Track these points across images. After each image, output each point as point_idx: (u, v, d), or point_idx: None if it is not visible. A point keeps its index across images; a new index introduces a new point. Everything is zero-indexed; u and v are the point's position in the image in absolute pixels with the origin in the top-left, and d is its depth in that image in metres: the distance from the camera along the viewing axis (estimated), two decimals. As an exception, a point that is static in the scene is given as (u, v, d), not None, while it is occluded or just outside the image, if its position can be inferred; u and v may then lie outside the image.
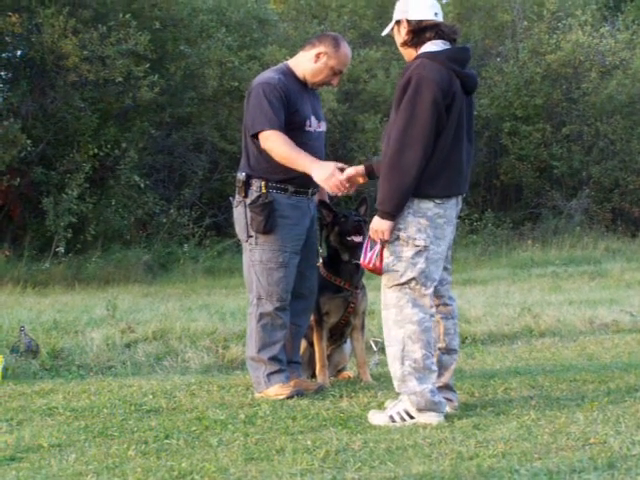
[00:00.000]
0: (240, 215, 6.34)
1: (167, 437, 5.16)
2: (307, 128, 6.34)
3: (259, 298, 6.30)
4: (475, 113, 5.97)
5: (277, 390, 6.22)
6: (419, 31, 5.62)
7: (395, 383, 5.54)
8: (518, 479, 4.12)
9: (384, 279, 5.58)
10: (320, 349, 6.76)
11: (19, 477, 4.45)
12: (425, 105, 5.41)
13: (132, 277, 17.34)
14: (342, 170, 6.04)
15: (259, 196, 6.21)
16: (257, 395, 6.28)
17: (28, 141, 17.95)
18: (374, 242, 5.54)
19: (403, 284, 5.49)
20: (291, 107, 6.25)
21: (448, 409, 5.65)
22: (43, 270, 17.23)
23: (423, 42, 5.62)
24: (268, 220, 6.17)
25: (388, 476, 4.26)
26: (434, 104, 5.41)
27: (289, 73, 6.39)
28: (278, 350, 6.30)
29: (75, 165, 18.88)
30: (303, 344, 6.82)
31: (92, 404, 6.12)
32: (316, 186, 6.45)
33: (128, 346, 8.36)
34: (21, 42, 19.38)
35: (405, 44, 5.70)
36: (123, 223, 19.58)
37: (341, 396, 6.18)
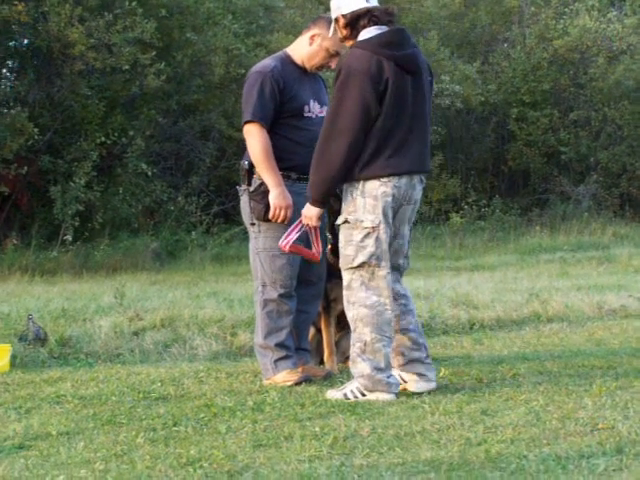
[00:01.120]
0: (245, 203, 6.34)
1: (175, 424, 5.16)
2: (306, 114, 6.31)
3: (263, 285, 6.30)
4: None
5: (285, 376, 6.22)
6: (354, 22, 5.64)
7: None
8: (527, 465, 4.12)
9: (340, 261, 5.71)
10: (328, 335, 6.75)
11: (28, 465, 4.46)
12: (352, 99, 5.44)
13: (140, 265, 17.33)
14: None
15: (260, 184, 6.20)
16: (265, 382, 6.28)
17: (35, 129, 17.92)
18: (308, 230, 5.75)
19: (356, 267, 5.61)
20: (286, 94, 6.22)
21: (424, 385, 5.80)
22: (51, 258, 17.22)
23: (359, 31, 5.63)
24: (269, 208, 6.16)
25: (396, 462, 4.27)
26: (361, 97, 5.43)
27: (286, 59, 6.36)
28: (285, 336, 6.30)
29: (82, 153, 18.85)
30: (311, 330, 6.82)
31: (100, 392, 6.13)
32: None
33: (136, 334, 8.36)
34: (27, 31, 19.30)
35: (345, 39, 5.75)
36: (131, 211, 19.56)
37: (349, 382, 6.18)
